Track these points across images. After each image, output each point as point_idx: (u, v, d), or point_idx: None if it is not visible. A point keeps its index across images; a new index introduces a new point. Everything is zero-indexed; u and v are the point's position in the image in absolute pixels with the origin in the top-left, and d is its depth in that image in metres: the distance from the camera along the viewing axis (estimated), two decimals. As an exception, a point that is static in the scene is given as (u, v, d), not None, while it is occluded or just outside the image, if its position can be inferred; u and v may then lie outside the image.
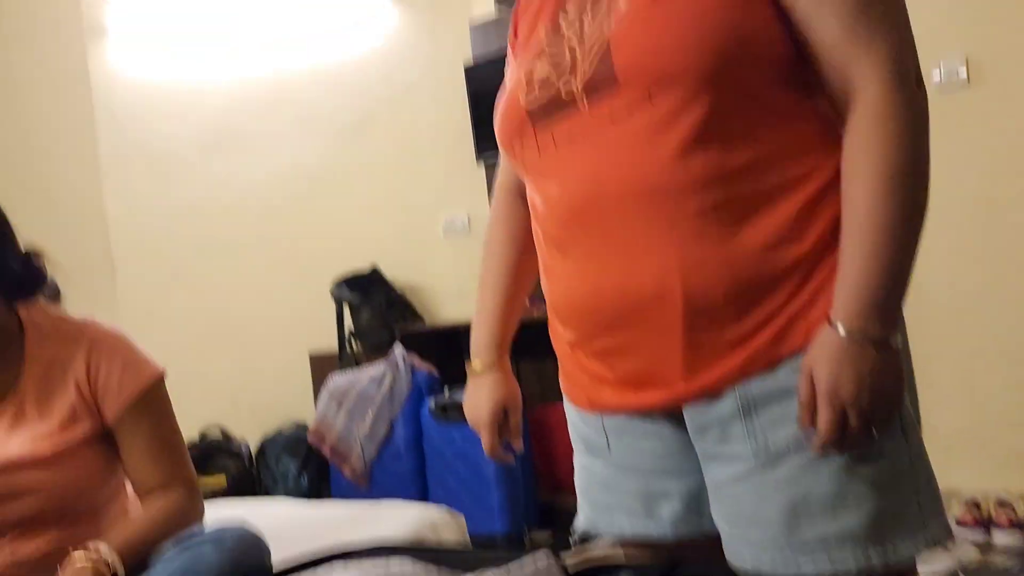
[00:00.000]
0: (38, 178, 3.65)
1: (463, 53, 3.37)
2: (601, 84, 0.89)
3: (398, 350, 2.85)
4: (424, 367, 2.85)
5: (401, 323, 3.17)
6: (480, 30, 3.36)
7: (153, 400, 1.29)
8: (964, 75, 2.46)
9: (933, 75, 2.42)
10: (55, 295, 1.34)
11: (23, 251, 1.27)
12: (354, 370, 3.01)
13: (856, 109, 0.85)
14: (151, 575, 1.08)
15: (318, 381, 3.37)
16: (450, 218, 3.40)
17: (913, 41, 0.88)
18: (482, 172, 3.37)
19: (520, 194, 1.13)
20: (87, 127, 3.53)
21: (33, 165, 3.65)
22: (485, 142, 3.21)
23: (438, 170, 3.42)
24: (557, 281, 0.99)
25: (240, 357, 3.48)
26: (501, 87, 1.06)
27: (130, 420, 1.26)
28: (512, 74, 1.03)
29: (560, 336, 1.03)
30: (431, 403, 2.75)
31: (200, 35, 3.49)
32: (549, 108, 0.93)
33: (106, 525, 1.27)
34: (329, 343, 3.35)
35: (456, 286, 3.43)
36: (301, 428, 3.34)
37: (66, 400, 1.24)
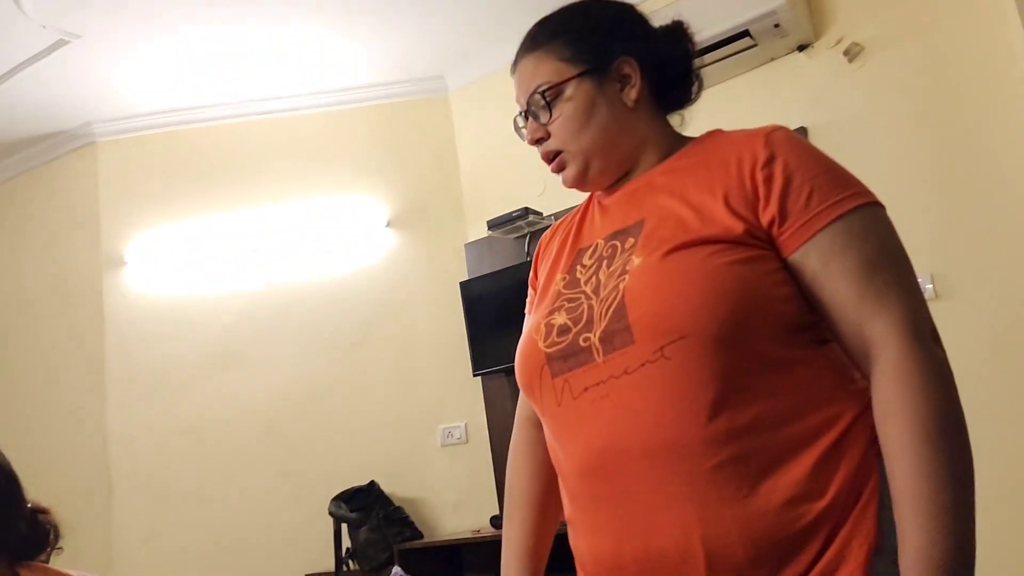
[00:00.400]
0: (44, 400, 3.72)
1: (459, 271, 3.56)
2: (616, 338, 0.90)
3: (396, 570, 2.78)
4: (423, 588, 2.77)
5: (399, 540, 3.11)
6: (474, 248, 3.57)
7: None
8: (931, 290, 2.61)
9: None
10: (54, 542, 1.35)
11: (30, 509, 1.30)
12: (351, 592, 2.92)
13: (878, 368, 0.86)
14: None
15: (314, 603, 3.26)
16: (447, 429, 3.44)
17: (923, 298, 0.91)
18: (478, 383, 3.45)
19: (541, 427, 1.11)
20: (97, 350, 3.63)
21: (41, 387, 3.73)
22: (481, 354, 3.32)
23: (435, 383, 3.50)
24: (580, 535, 0.98)
25: (236, 575, 3.39)
26: (523, 332, 1.09)
27: None
28: (531, 319, 1.06)
29: None
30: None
31: (206, 258, 3.69)
32: (567, 355, 0.95)
33: None
34: (326, 563, 3.27)
35: (454, 497, 3.40)
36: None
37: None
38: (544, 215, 3.31)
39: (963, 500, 0.82)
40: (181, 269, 3.70)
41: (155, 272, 3.71)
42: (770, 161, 0.94)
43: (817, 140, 2.85)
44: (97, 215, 3.77)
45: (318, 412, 3.51)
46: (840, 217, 0.90)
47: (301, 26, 3.26)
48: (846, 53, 2.81)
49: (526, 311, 1.16)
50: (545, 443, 1.07)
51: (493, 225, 3.32)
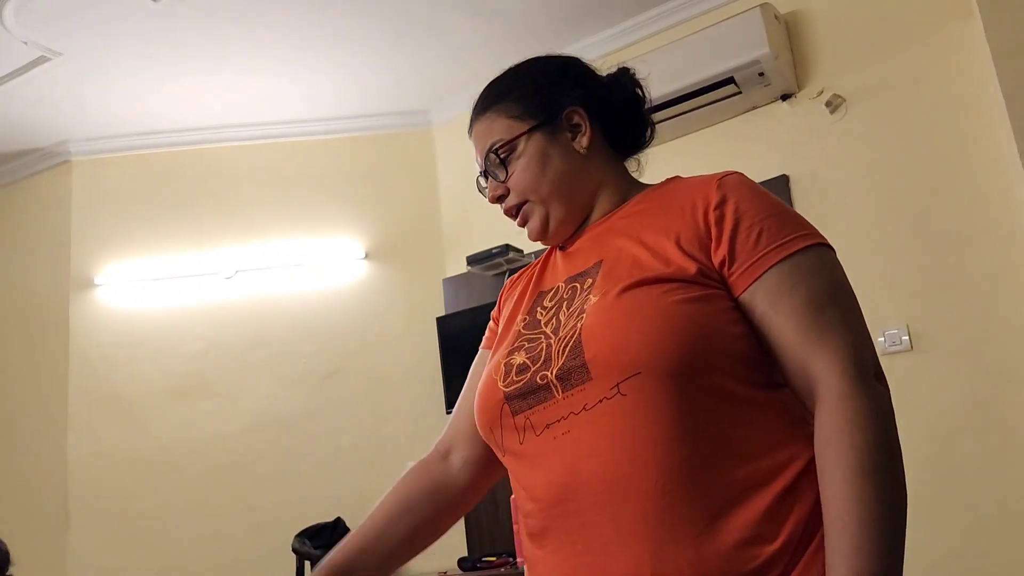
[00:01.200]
0: (3, 421, 3.62)
1: (436, 307, 3.53)
2: (574, 375, 0.92)
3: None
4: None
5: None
6: (452, 284, 3.55)
7: None
8: (907, 341, 2.61)
9: (878, 341, 2.56)
10: (3, 568, 1.30)
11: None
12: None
13: (820, 405, 0.88)
14: None
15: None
16: (418, 466, 3.38)
17: (869, 336, 0.93)
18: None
19: (442, 454, 1.16)
20: (60, 374, 3.55)
21: (3, 410, 3.63)
22: (455, 391, 3.26)
23: (408, 418, 3.44)
24: (537, 574, 0.98)
25: (192, 615, 3.28)
26: (475, 367, 1.12)
27: None
28: (491, 362, 1.08)
29: None
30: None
31: (178, 283, 3.63)
32: (526, 394, 0.97)
33: None
34: (286, 601, 3.17)
35: (423, 537, 3.32)
36: None
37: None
38: (524, 252, 3.29)
39: (892, 533, 0.83)
40: (152, 293, 3.63)
41: (125, 295, 3.64)
42: (722, 203, 0.96)
43: (797, 188, 2.88)
44: (68, 235, 3.70)
45: (287, 444, 3.44)
46: (787, 258, 0.92)
47: (285, 51, 3.25)
48: (828, 104, 2.85)
49: (481, 346, 1.19)
50: (433, 469, 1.14)
51: (473, 261, 3.30)
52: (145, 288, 3.63)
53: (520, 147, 1.07)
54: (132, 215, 3.72)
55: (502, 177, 1.09)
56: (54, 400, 3.53)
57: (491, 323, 1.20)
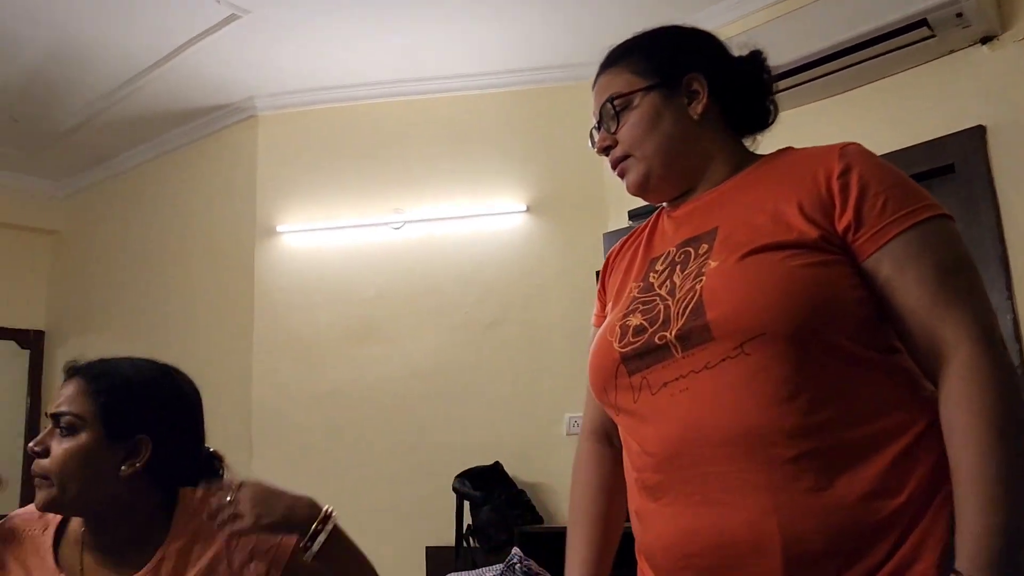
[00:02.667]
0: (196, 359, 3.96)
1: (595, 260, 3.52)
2: (695, 336, 0.95)
3: (515, 552, 2.79)
4: (542, 573, 2.77)
5: (520, 523, 3.13)
6: (613, 238, 3.52)
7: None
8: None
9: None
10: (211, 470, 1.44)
11: (208, 452, 1.41)
12: (473, 569, 2.96)
13: (948, 370, 0.89)
14: None
15: (433, 574, 3.33)
16: (574, 419, 3.42)
17: (991, 306, 0.95)
18: (609, 374, 3.41)
19: (606, 440, 1.19)
20: (246, 316, 3.83)
21: (193, 346, 3.98)
22: (613, 345, 3.27)
23: (565, 371, 3.48)
24: (650, 527, 1.00)
25: (359, 542, 3.49)
26: (591, 341, 1.14)
27: None
28: (605, 325, 1.11)
29: None
30: (547, 614, 2.65)
31: (351, 232, 3.82)
32: (643, 354, 1.00)
33: None
34: (446, 537, 3.33)
35: (577, 487, 3.38)
36: (412, 625, 3.28)
37: (200, 573, 1.28)
38: (688, 207, 3.22)
39: (1021, 494, 0.84)
40: (328, 241, 3.84)
41: (304, 243, 3.87)
42: (846, 171, 0.98)
43: (995, 140, 2.63)
44: (254, 185, 3.96)
45: (449, 390, 3.57)
46: (914, 226, 0.94)
47: (459, 4, 3.29)
48: (1037, 47, 2.57)
49: (592, 324, 1.22)
50: (610, 458, 1.16)
51: (635, 215, 3.26)
52: (322, 236, 3.84)
53: (635, 102, 1.10)
54: (311, 167, 3.94)
55: (612, 128, 1.12)
56: (241, 339, 3.83)
57: (598, 299, 1.23)
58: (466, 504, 3.25)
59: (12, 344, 4.93)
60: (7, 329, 4.90)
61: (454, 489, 3.25)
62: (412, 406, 3.62)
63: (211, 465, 1.41)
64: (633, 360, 1.00)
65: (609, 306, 1.15)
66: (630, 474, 1.04)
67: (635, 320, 1.02)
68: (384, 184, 3.84)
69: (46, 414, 1.30)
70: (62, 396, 1.28)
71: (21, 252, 4.98)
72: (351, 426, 3.67)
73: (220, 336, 3.92)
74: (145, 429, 1.29)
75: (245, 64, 3.71)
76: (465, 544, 3.21)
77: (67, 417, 1.25)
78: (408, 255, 3.77)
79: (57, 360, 4.91)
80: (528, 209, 3.69)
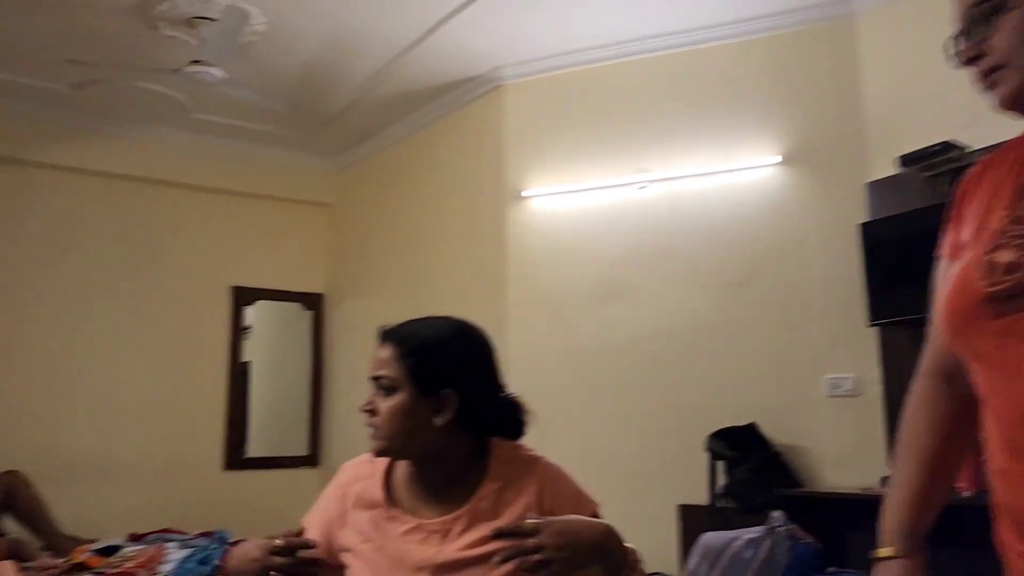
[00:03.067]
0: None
1: (857, 212, 3.29)
2: None
3: (777, 515, 2.73)
4: (806, 538, 2.69)
5: (779, 485, 3.04)
6: (877, 188, 3.27)
7: None
8: None
9: None
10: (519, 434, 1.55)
11: (507, 397, 1.51)
12: (728, 530, 2.93)
13: None
14: None
15: (685, 534, 3.34)
16: (835, 380, 3.25)
17: None
18: (872, 334, 3.19)
19: (948, 380, 1.08)
20: (500, 275, 4.03)
21: (454, 308, 4.23)
22: (879, 303, 3.06)
23: (824, 330, 3.31)
24: (1013, 488, 0.92)
25: (610, 498, 3.57)
26: (943, 275, 1.04)
27: None
28: (968, 259, 1.00)
29: (1012, 547, 0.93)
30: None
31: (597, 196, 3.86)
32: (1014, 295, 0.89)
33: None
34: (699, 496, 3.32)
35: (838, 451, 3.22)
36: (666, 581, 3.32)
37: (516, 515, 1.40)
38: (968, 150, 2.90)
39: None
40: (574, 204, 3.92)
41: (551, 206, 3.97)
42: None
43: None
44: (501, 152, 4.12)
45: (700, 349, 3.53)
46: None
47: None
48: None
49: (942, 253, 1.08)
50: (948, 398, 1.06)
51: (907, 160, 2.99)
52: (568, 199, 3.93)
53: (1011, 3, 0.96)
54: (554, 131, 4.03)
55: (983, 35, 0.98)
56: (496, 299, 4.03)
57: (951, 226, 1.09)
58: (720, 464, 3.22)
59: (298, 306, 5.55)
60: (294, 293, 5.52)
61: (708, 449, 3.22)
62: (662, 365, 3.62)
63: (512, 410, 1.51)
64: (1002, 301, 0.89)
65: (966, 236, 1.03)
66: (993, 429, 0.96)
67: (1006, 256, 0.91)
68: (626, 144, 3.84)
69: (369, 378, 1.47)
70: (379, 360, 1.46)
71: (303, 224, 5.56)
72: (602, 384, 3.75)
73: (477, 296, 4.15)
74: (449, 383, 1.42)
75: (491, 36, 3.85)
76: (720, 504, 3.18)
77: (384, 380, 1.43)
78: (653, 214, 3.75)
79: (335, 319, 5.47)
80: (781, 161, 3.52)
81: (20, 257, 4.61)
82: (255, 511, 4.89)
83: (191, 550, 3.49)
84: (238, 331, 5.28)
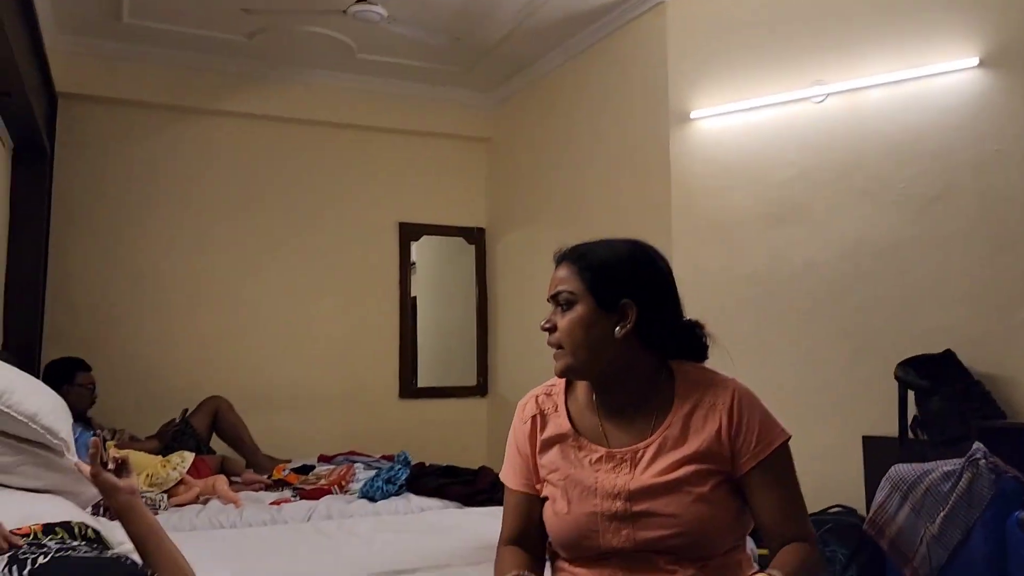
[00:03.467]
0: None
1: (1074, 114, 2.93)
2: None
3: (979, 447, 2.54)
4: (1011, 471, 2.49)
5: (977, 417, 2.82)
6: (1099, 86, 2.89)
7: (783, 459, 1.37)
8: None
9: None
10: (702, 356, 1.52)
11: (687, 320, 1.50)
12: (921, 462, 2.76)
13: None
14: None
15: (870, 466, 3.18)
16: (1045, 302, 2.95)
17: None
18: (1093, 251, 2.87)
19: None
20: (663, 200, 3.92)
21: (616, 236, 4.18)
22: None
23: (1032, 247, 3.00)
24: None
25: (791, 429, 3.47)
26: None
27: (762, 474, 1.35)
28: None
29: None
30: (1021, 516, 2.38)
31: (769, 114, 3.64)
32: None
33: (732, 570, 1.36)
34: (886, 427, 3.14)
35: (1046, 381, 2.95)
36: (849, 513, 3.19)
37: (703, 441, 1.38)
38: None
39: None
40: (743, 123, 3.73)
41: (718, 127, 3.80)
42: None
43: None
44: (665, 73, 3.97)
45: (886, 271, 3.31)
46: None
47: None
48: None
49: None
50: None
51: None
52: (737, 118, 3.74)
53: None
54: (722, 47, 3.82)
55: None
56: (659, 223, 3.93)
57: None
58: (911, 394, 3.02)
59: (461, 240, 5.67)
60: (456, 227, 5.64)
61: (897, 378, 3.03)
62: (843, 290, 3.42)
63: (693, 332, 1.48)
64: None
65: None
66: None
67: None
68: (801, 55, 3.59)
69: (548, 299, 1.48)
70: (556, 279, 1.47)
71: (463, 159, 5.64)
72: (776, 312, 3.60)
73: (639, 225, 4.06)
74: (628, 294, 1.41)
75: (653, -51, 3.67)
76: (911, 435, 3.00)
77: (564, 295, 1.44)
78: (832, 129, 3.50)
79: (497, 253, 5.55)
80: (979, 63, 3.17)
81: (208, 201, 4.95)
82: (429, 437, 5.14)
83: (376, 470, 3.70)
84: (407, 266, 5.47)
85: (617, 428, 1.45)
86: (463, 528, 2.72)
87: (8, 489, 1.96)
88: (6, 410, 1.93)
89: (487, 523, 2.86)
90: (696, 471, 1.36)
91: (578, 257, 1.46)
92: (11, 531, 1.40)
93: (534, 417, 1.52)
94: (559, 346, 1.43)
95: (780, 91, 3.61)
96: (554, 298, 1.45)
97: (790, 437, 1.42)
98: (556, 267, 1.48)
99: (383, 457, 4.29)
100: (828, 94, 3.49)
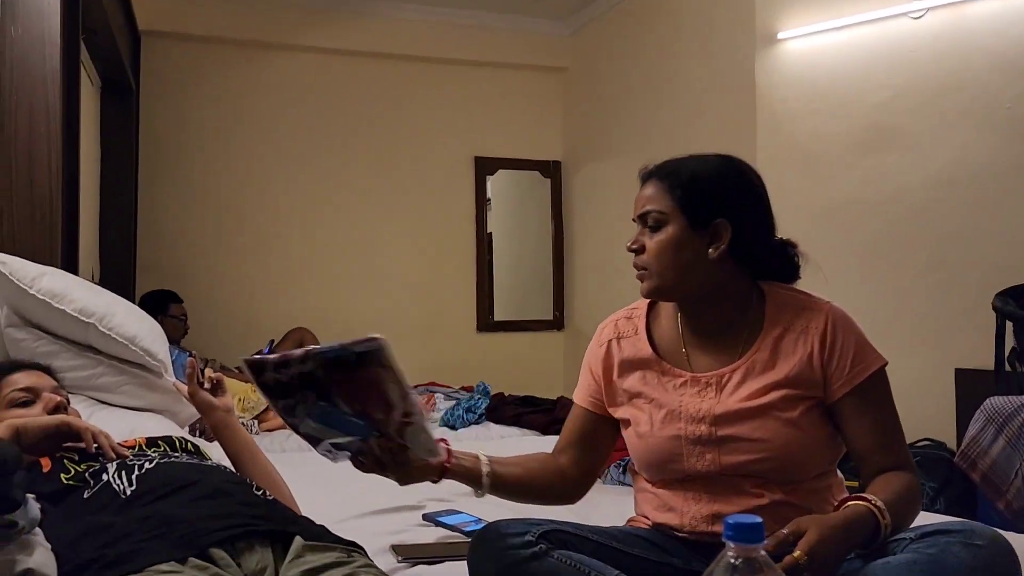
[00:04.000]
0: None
1: None
2: None
3: (1083, 379, 2.42)
4: (1120, 404, 2.37)
5: (1082, 348, 2.69)
6: None
7: (879, 385, 1.32)
8: None
9: None
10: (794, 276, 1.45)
11: (779, 240, 1.43)
12: (1018, 395, 2.66)
13: None
14: (893, 563, 1.09)
15: (962, 399, 3.08)
16: None
17: None
18: None
19: None
20: (748, 126, 3.78)
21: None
22: None
23: None
24: None
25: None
26: None
27: (857, 400, 1.30)
28: None
29: None
30: None
31: (862, 33, 3.46)
32: None
33: (821, 495, 1.33)
34: (980, 360, 3.02)
35: None
36: (938, 447, 3.11)
37: (792, 365, 1.33)
38: None
39: None
40: (834, 45, 3.55)
41: (807, 49, 3.63)
42: None
43: None
44: (751, -7, 3.80)
45: (987, 197, 3.14)
46: None
47: None
48: None
49: None
50: None
51: None
52: (827, 38, 3.56)
53: None
54: (811, -38, 3.62)
55: None
56: (744, 152, 3.76)
57: None
58: (1008, 325, 2.89)
59: (536, 174, 5.62)
60: (531, 161, 5.58)
61: (995, 308, 2.89)
62: (939, 218, 3.27)
63: (786, 252, 1.42)
64: None
65: None
66: None
67: None
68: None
69: (633, 219, 1.41)
70: (643, 198, 1.39)
71: (537, 91, 5.55)
72: (866, 240, 3.47)
73: (722, 152, 3.94)
74: (722, 213, 1.34)
75: None
76: (1008, 368, 2.88)
77: (653, 215, 1.36)
78: (931, 47, 3.30)
79: (574, 186, 5.49)
80: (1100, -31, 2.93)
81: (287, 135, 5.02)
82: (507, 370, 5.19)
83: (456, 400, 3.77)
84: (482, 201, 5.46)
85: (702, 351, 1.41)
86: (543, 454, 2.75)
87: (114, 407, 2.05)
88: (107, 332, 2.01)
89: (566, 450, 2.89)
90: (785, 396, 1.32)
91: (667, 174, 1.38)
92: (118, 443, 1.47)
93: (610, 341, 1.49)
94: (646, 268, 1.37)
95: (875, 7, 3.41)
96: (641, 218, 1.38)
97: (887, 363, 1.35)
98: (642, 185, 1.42)
99: (462, 388, 4.36)
100: (928, 8, 3.29)
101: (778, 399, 1.31)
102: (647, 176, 1.42)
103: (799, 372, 1.33)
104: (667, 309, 1.47)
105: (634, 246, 1.39)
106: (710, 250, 1.34)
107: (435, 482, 1.35)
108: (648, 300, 1.48)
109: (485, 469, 1.38)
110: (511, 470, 1.42)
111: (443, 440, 1.34)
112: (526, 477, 1.45)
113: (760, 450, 1.30)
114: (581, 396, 1.53)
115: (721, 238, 1.34)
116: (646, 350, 1.45)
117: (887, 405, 1.34)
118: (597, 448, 1.51)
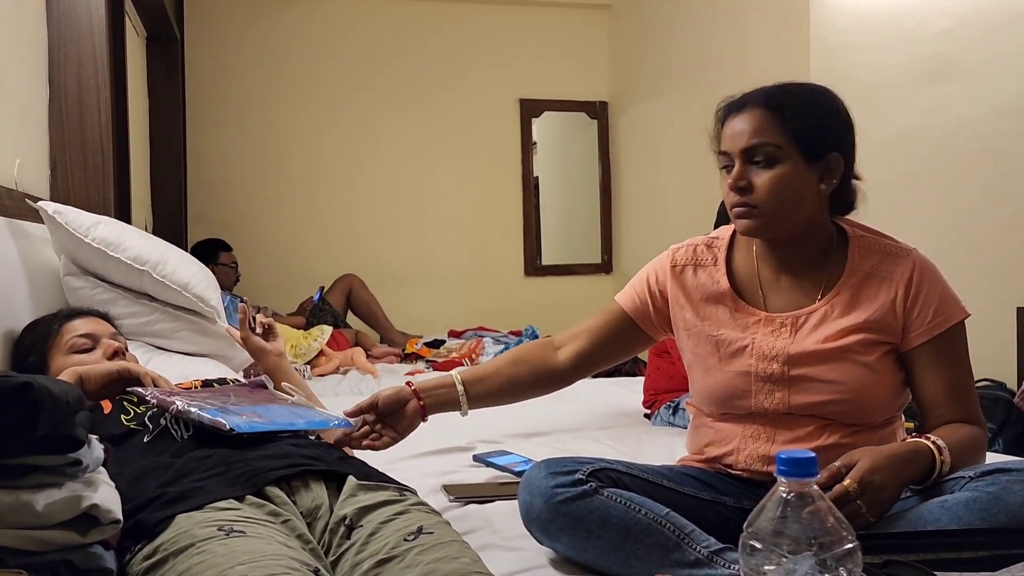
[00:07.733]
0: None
1: None
2: None
3: None
4: None
5: None
6: None
7: (958, 338, 1.29)
8: None
9: None
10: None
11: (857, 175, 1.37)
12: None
13: None
14: (951, 501, 1.07)
15: (1024, 339, 3.00)
16: None
17: None
18: None
19: None
20: (801, 59, 3.66)
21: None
22: None
23: None
24: None
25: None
26: None
27: (934, 350, 1.28)
28: None
29: None
30: None
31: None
32: None
33: (885, 440, 1.31)
34: (1045, 297, 2.93)
35: None
36: (998, 387, 3.03)
37: (874, 310, 1.30)
38: None
39: None
40: (893, -31, 3.38)
41: (864, -25, 3.47)
42: None
43: None
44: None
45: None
46: None
47: None
48: None
49: None
50: None
51: None
52: (886, -37, 3.39)
53: None
54: None
55: None
56: (797, 89, 3.68)
57: None
58: (1075, 261, 2.78)
59: (583, 116, 5.53)
60: (577, 102, 5.49)
61: (1061, 243, 2.79)
62: (1000, 151, 3.14)
63: (852, 185, 1.37)
64: None
65: None
66: None
67: None
68: None
69: (726, 152, 1.30)
70: (746, 131, 1.27)
71: (581, 30, 5.43)
72: (924, 173, 3.35)
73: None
74: (835, 146, 1.28)
75: None
76: (1073, 305, 2.78)
77: (766, 148, 1.25)
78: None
79: (621, 127, 5.39)
80: None
81: (331, 81, 5.01)
82: (554, 314, 5.18)
83: (505, 344, 3.79)
84: (528, 143, 5.40)
85: (779, 290, 1.37)
86: (593, 396, 2.76)
87: (170, 352, 2.11)
88: (161, 279, 2.06)
89: (616, 392, 2.89)
90: (863, 340, 1.29)
91: (778, 104, 1.27)
92: (175, 385, 1.51)
93: (685, 266, 1.44)
94: (756, 206, 1.27)
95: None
96: (746, 152, 1.27)
97: (968, 315, 1.31)
98: (737, 115, 1.30)
99: (511, 333, 4.38)
100: (995, -72, 3.10)
101: (856, 342, 1.29)
102: (742, 106, 1.31)
103: (880, 317, 1.30)
104: (746, 244, 1.42)
105: (742, 182, 1.27)
106: (822, 185, 1.28)
107: (424, 422, 1.46)
108: (731, 232, 1.43)
109: (462, 399, 1.46)
110: (486, 386, 1.48)
111: (409, 383, 1.46)
112: (506, 384, 1.50)
113: (834, 391, 1.28)
114: (626, 299, 1.51)
115: (833, 173, 1.28)
116: (723, 283, 1.40)
117: (962, 358, 1.31)
118: (611, 351, 1.52)
